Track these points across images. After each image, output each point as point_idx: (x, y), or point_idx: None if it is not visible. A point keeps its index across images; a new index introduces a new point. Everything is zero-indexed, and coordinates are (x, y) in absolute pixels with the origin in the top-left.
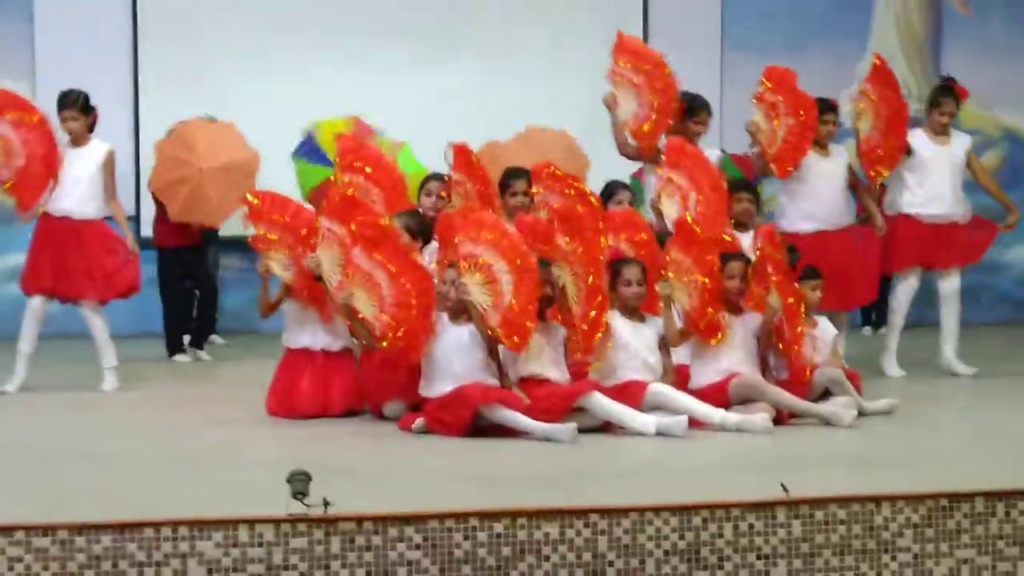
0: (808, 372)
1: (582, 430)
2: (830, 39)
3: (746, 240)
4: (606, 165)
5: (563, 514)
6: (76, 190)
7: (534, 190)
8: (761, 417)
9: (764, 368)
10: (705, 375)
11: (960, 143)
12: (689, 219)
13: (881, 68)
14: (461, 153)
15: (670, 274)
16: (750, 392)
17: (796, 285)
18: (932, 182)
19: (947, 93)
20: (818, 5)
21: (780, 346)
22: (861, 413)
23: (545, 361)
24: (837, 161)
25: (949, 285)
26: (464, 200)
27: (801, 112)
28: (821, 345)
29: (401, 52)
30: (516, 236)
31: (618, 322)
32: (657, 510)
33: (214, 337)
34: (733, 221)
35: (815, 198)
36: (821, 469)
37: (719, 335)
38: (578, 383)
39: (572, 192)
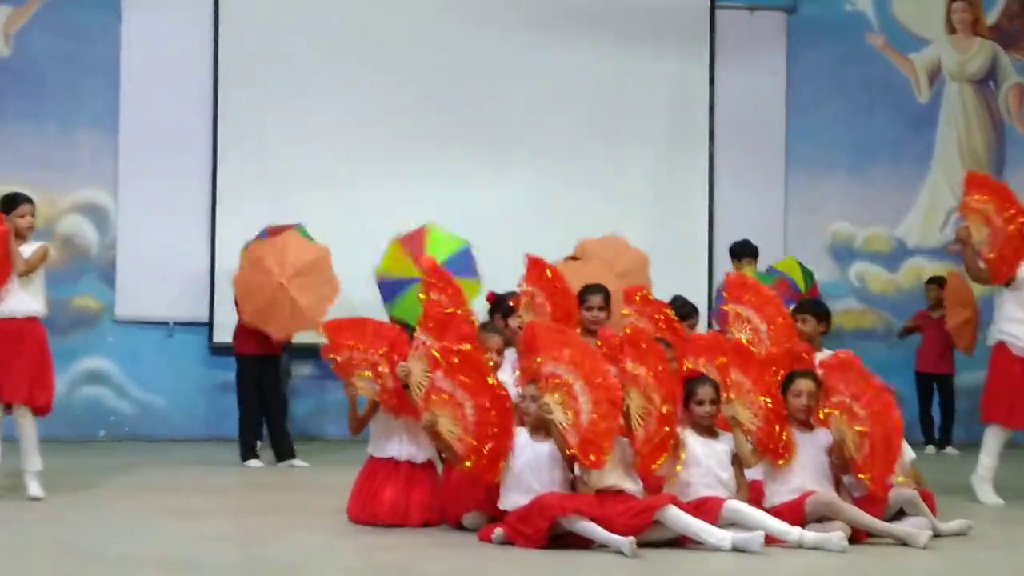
0: (884, 491)
1: (657, 544)
2: (893, 162)
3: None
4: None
5: None
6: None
7: (625, 312)
8: (838, 536)
9: (838, 485)
10: (779, 494)
11: None
12: (744, 340)
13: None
14: (535, 265)
15: (732, 395)
16: (826, 510)
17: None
18: None
19: None
20: (881, 127)
21: (852, 468)
22: (936, 534)
23: (619, 473)
24: None
25: None
26: (532, 313)
27: (1021, 218)
28: (896, 465)
29: (471, 163)
30: (598, 355)
31: (691, 439)
32: None
33: (295, 462)
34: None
35: None
36: None
37: (788, 455)
38: (656, 496)
39: (661, 317)
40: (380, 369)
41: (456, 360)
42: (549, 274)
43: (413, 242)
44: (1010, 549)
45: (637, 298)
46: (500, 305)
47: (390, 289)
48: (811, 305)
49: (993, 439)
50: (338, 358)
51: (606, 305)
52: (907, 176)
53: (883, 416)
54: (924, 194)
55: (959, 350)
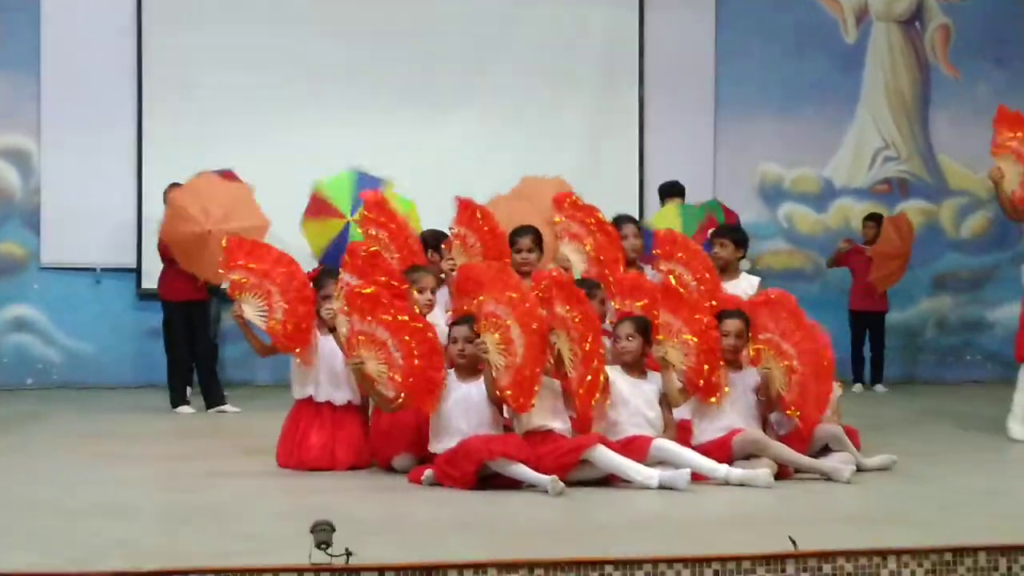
0: (809, 428)
1: (585, 483)
2: (821, 103)
3: (731, 287)
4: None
5: (579, 565)
6: None
7: (556, 219)
8: (764, 472)
9: (765, 423)
10: (707, 432)
11: None
12: (673, 281)
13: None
14: (465, 208)
15: (661, 336)
16: (753, 447)
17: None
18: None
19: None
20: (808, 69)
21: (780, 404)
22: (860, 469)
23: (547, 413)
24: None
25: None
26: (466, 255)
27: None
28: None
29: (404, 109)
30: (534, 300)
31: (618, 379)
32: (670, 562)
33: (225, 408)
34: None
35: None
36: (823, 523)
37: (718, 394)
38: (583, 436)
39: (592, 221)
40: (275, 300)
41: (366, 302)
42: (479, 215)
43: (318, 206)
44: (930, 482)
45: (567, 204)
46: (431, 243)
47: (335, 256)
48: (729, 230)
49: None
50: (233, 276)
51: (536, 247)
52: (834, 117)
53: (815, 355)
54: (851, 135)
55: (873, 284)
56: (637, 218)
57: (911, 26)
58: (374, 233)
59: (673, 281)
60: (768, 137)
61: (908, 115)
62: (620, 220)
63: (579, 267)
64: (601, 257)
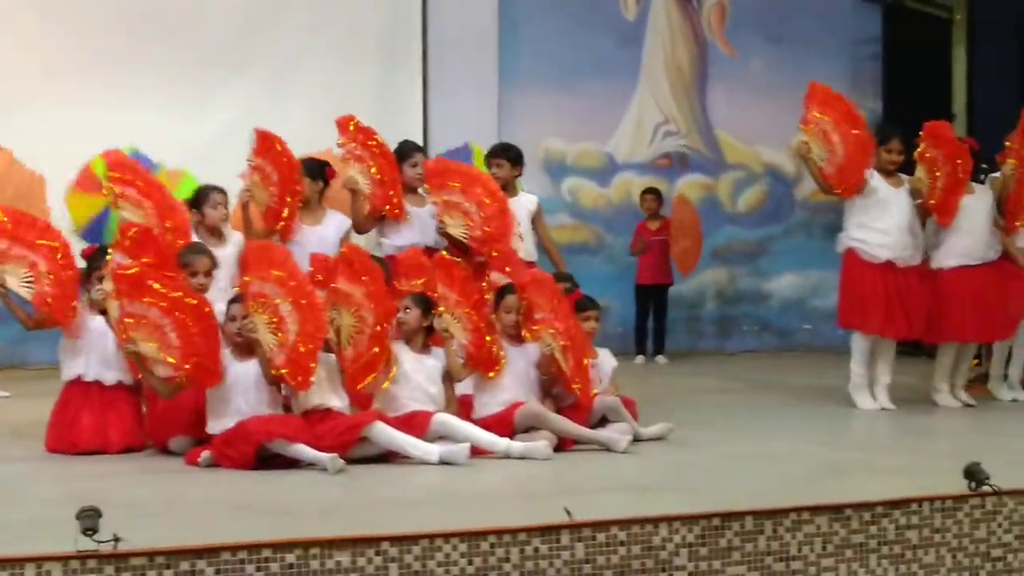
0: (588, 400)
1: (366, 460)
2: (603, 79)
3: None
4: None
5: (355, 543)
6: None
7: (340, 142)
8: (543, 444)
9: (546, 396)
10: (488, 406)
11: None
12: (446, 255)
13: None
14: (264, 139)
15: (441, 309)
16: (533, 421)
17: (573, 320)
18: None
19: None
20: (590, 44)
21: (562, 379)
22: (637, 438)
23: (326, 391)
24: (981, 198)
25: None
26: (266, 188)
27: (958, 160)
28: (600, 374)
29: (185, 84)
30: (303, 276)
31: (402, 354)
32: (447, 536)
33: None
34: None
35: (962, 234)
36: (601, 493)
37: (497, 368)
38: (362, 413)
39: (374, 144)
40: (40, 270)
41: (134, 283)
42: (278, 147)
43: (88, 181)
44: (703, 450)
45: (351, 127)
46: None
47: (95, 233)
48: (503, 149)
49: (857, 346)
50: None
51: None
52: (616, 92)
53: (577, 330)
54: (632, 110)
55: (680, 272)
56: None
57: (689, 3)
58: (120, 191)
59: (446, 255)
60: (551, 112)
61: (687, 91)
62: (406, 147)
63: (366, 189)
64: (384, 179)
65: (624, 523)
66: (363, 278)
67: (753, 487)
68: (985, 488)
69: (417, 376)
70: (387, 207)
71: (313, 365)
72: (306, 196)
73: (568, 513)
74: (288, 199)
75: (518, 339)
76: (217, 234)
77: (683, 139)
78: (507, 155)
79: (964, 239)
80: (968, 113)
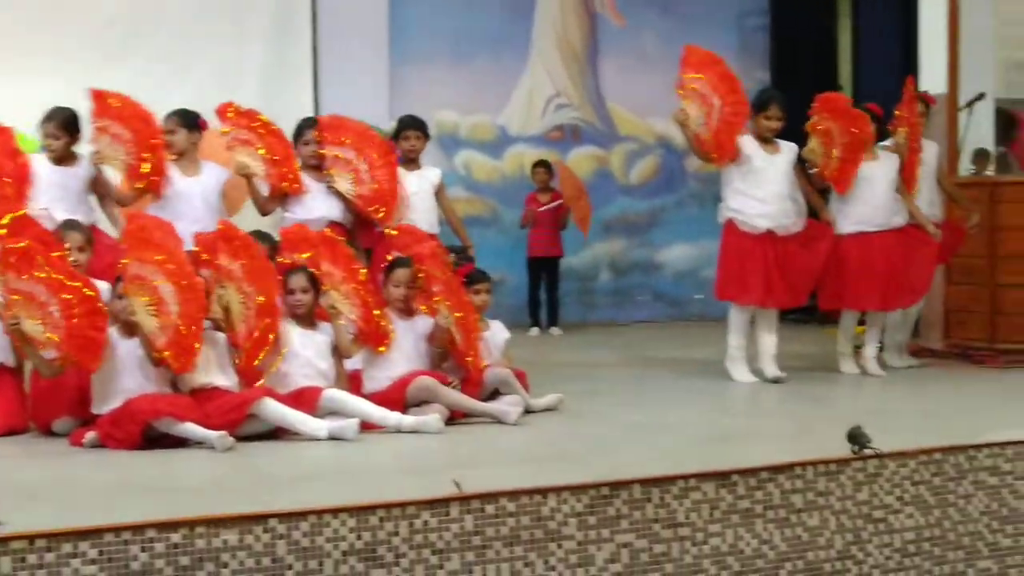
0: (479, 373)
1: (255, 437)
2: (494, 52)
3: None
4: None
5: (241, 520)
6: None
7: (224, 130)
8: (435, 418)
9: (436, 369)
10: (378, 380)
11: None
12: (330, 232)
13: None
14: (98, 98)
15: (327, 287)
16: (424, 394)
17: (463, 293)
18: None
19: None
20: (482, 19)
21: (455, 353)
22: (528, 410)
23: (212, 370)
24: (884, 165)
25: None
26: (115, 146)
27: (854, 130)
28: (491, 347)
29: (75, 56)
30: (183, 256)
31: (290, 330)
32: (335, 512)
33: None
34: None
35: (861, 202)
36: (491, 465)
37: (387, 342)
38: (250, 390)
39: (258, 124)
40: None
41: (20, 258)
42: (116, 103)
43: None
44: (593, 420)
45: (229, 113)
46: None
47: None
48: (415, 123)
49: (734, 318)
50: None
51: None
52: (508, 65)
53: (467, 303)
54: (524, 82)
55: (582, 231)
56: None
57: None
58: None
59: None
60: (443, 85)
61: (579, 63)
62: (301, 126)
63: (259, 171)
64: (276, 157)
65: (513, 494)
66: (242, 253)
67: (641, 456)
68: (867, 451)
69: (306, 352)
70: (284, 184)
71: (197, 346)
72: (182, 148)
73: (457, 485)
74: (146, 154)
75: (407, 312)
76: None
77: (575, 111)
78: (422, 128)
79: (863, 206)
80: (853, 84)
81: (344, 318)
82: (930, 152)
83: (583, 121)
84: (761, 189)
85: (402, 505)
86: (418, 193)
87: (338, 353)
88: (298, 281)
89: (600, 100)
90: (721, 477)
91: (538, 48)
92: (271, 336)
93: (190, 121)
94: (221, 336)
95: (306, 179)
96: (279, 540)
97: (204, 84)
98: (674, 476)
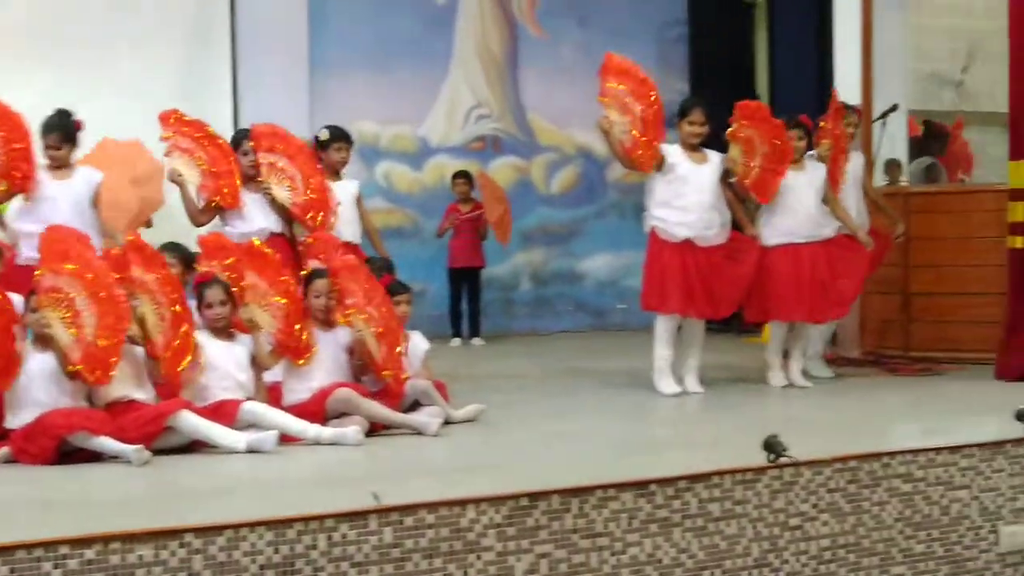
0: (400, 385)
1: (174, 450)
2: (415, 63)
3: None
4: None
5: (156, 535)
6: None
7: (166, 134)
8: (353, 430)
9: (357, 381)
10: (298, 392)
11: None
12: (258, 243)
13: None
14: None
15: (247, 298)
16: (344, 406)
17: (387, 304)
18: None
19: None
20: (403, 29)
21: (373, 365)
22: (449, 421)
23: (128, 383)
24: (811, 175)
25: None
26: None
27: (776, 140)
28: (412, 358)
29: None
30: (101, 267)
31: (207, 342)
32: (252, 525)
33: None
34: None
35: (788, 213)
36: (411, 477)
37: (308, 355)
38: (167, 402)
39: (202, 135)
40: None
41: None
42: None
43: None
44: (513, 430)
45: (172, 119)
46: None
47: None
48: (344, 135)
49: (659, 328)
50: None
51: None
52: (428, 75)
53: (391, 315)
54: (445, 93)
55: (500, 242)
56: None
57: None
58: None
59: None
60: (363, 96)
61: (499, 74)
62: (237, 136)
63: (193, 180)
64: (214, 170)
65: (432, 506)
66: (154, 264)
67: (561, 466)
68: (783, 460)
69: (224, 364)
70: (218, 197)
71: (114, 360)
72: (66, 161)
73: (376, 498)
74: (15, 155)
75: (328, 324)
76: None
77: (496, 122)
78: (349, 140)
79: (790, 217)
80: (770, 95)
81: (264, 330)
82: (856, 163)
83: (504, 132)
84: (683, 198)
85: (320, 518)
86: (343, 203)
87: (257, 365)
88: (216, 294)
89: (521, 110)
90: (639, 487)
91: (459, 58)
92: (192, 341)
93: (71, 134)
94: (139, 350)
95: (244, 192)
96: (195, 555)
97: (121, 93)
98: (593, 486)
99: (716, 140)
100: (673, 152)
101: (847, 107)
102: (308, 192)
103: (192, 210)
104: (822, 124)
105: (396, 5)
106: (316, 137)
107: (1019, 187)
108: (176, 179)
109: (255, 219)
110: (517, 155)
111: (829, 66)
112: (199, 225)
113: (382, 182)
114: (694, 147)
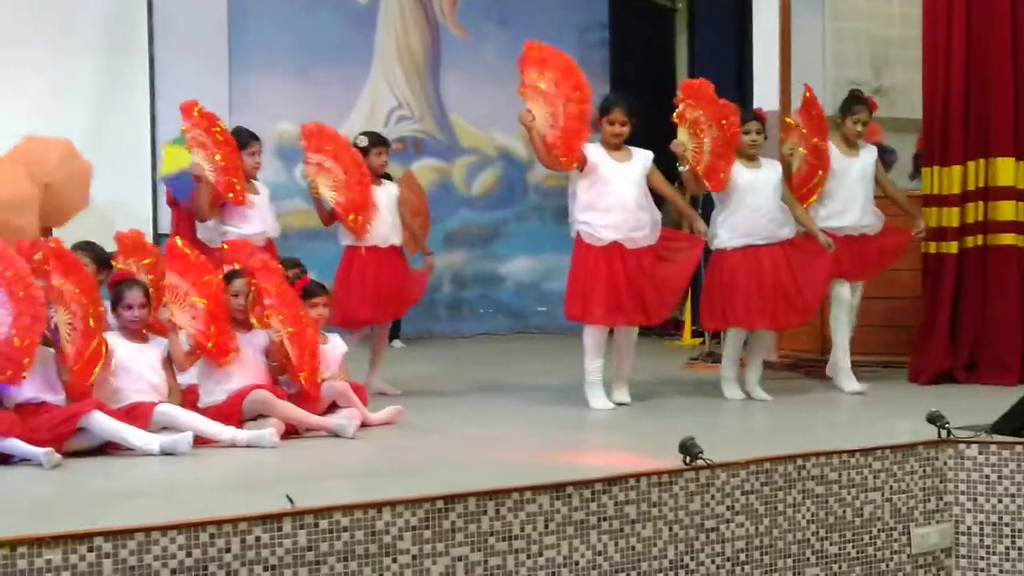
0: (316, 387)
1: (86, 453)
2: (336, 63)
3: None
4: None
5: (65, 539)
6: None
7: (184, 127)
8: (269, 432)
9: (274, 383)
10: (214, 394)
11: (869, 153)
12: (179, 243)
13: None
14: None
15: (166, 300)
16: (261, 408)
17: (299, 306)
18: (843, 193)
19: (861, 102)
20: (323, 30)
21: (289, 368)
22: (366, 423)
23: (38, 384)
24: (768, 173)
25: (845, 292)
26: None
27: (724, 121)
28: (330, 360)
29: None
30: (22, 266)
31: (119, 344)
32: (164, 529)
33: None
34: None
35: (745, 212)
36: (327, 479)
37: (228, 355)
38: (80, 403)
39: (218, 130)
40: None
41: None
42: None
43: None
44: (431, 433)
45: (195, 112)
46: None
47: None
48: (382, 138)
49: (587, 339)
50: None
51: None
52: (349, 76)
53: (305, 317)
54: (366, 94)
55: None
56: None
57: None
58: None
59: (179, 243)
60: (284, 96)
61: (420, 75)
62: (245, 137)
63: (210, 177)
64: (227, 166)
65: (347, 508)
66: (73, 271)
67: (478, 469)
68: (699, 462)
69: (138, 367)
70: (230, 195)
71: (27, 360)
72: None
73: (290, 500)
74: None
75: (246, 325)
76: None
77: (417, 123)
78: (387, 144)
79: (748, 218)
80: None
81: (182, 331)
82: (868, 159)
83: (425, 133)
84: (607, 199)
85: (233, 521)
86: (384, 206)
87: (170, 366)
88: (135, 296)
89: (442, 112)
90: (556, 489)
91: (380, 59)
92: (102, 353)
93: None
94: (50, 351)
95: (248, 193)
96: (105, 559)
97: (38, 97)
98: (509, 488)
99: (636, 141)
100: (595, 151)
101: (748, 114)
102: (350, 194)
103: (204, 205)
104: (788, 120)
105: (317, 6)
106: (355, 143)
107: (932, 193)
108: (198, 172)
109: (255, 222)
110: (438, 157)
111: (749, 71)
112: (204, 220)
113: (301, 183)
114: (617, 146)
